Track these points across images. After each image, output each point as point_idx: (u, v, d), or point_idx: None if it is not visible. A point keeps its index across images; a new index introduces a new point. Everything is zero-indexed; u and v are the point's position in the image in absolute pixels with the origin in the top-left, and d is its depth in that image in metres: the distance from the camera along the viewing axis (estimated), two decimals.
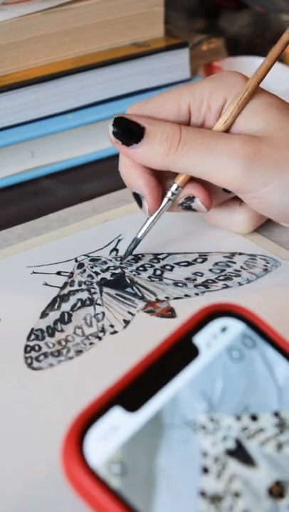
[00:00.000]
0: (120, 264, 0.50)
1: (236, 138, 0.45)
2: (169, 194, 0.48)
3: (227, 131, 0.46)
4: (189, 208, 0.48)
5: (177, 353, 0.32)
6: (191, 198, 0.47)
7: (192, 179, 0.47)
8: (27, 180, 0.62)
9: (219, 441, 0.31)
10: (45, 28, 0.62)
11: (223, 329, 0.33)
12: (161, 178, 0.49)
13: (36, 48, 0.63)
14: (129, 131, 0.46)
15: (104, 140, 0.65)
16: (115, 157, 0.64)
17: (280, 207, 0.46)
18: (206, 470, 0.30)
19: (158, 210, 0.48)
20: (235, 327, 0.34)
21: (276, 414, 0.32)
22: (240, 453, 0.31)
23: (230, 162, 0.44)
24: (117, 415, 0.30)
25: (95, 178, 0.63)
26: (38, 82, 0.61)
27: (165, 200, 0.48)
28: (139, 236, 0.49)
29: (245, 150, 0.44)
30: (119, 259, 0.50)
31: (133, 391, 0.31)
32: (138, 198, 0.48)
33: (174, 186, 0.47)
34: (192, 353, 0.33)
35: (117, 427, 0.30)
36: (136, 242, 0.49)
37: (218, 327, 0.33)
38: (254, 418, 0.32)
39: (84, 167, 0.64)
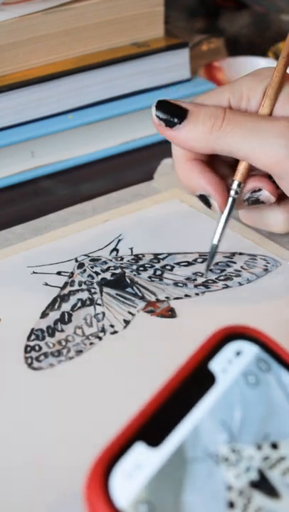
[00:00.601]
0: (206, 277, 0.49)
1: (282, 119, 0.44)
2: (232, 193, 0.46)
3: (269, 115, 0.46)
4: (257, 202, 0.47)
5: (194, 382, 0.31)
6: (257, 191, 0.46)
7: (251, 174, 0.47)
8: (27, 180, 0.62)
9: (242, 473, 0.30)
10: (45, 28, 0.62)
11: (238, 353, 0.32)
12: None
13: (36, 47, 0.63)
14: (172, 113, 0.45)
15: (105, 140, 0.65)
16: (115, 157, 0.65)
17: None
18: (231, 505, 0.29)
19: (226, 212, 0.46)
20: (250, 350, 0.33)
21: None
22: (263, 484, 0.30)
23: (275, 142, 0.43)
24: (140, 451, 0.29)
25: (95, 178, 0.63)
26: (38, 82, 0.61)
27: (230, 200, 0.46)
28: (215, 242, 0.47)
29: None
30: (201, 274, 0.49)
31: (154, 425, 0.29)
32: (205, 200, 0.47)
33: (236, 183, 0.46)
34: (209, 380, 0.31)
35: (141, 463, 0.28)
36: (214, 248, 0.47)
37: (232, 351, 0.32)
38: (274, 446, 0.31)
39: (84, 167, 0.64)
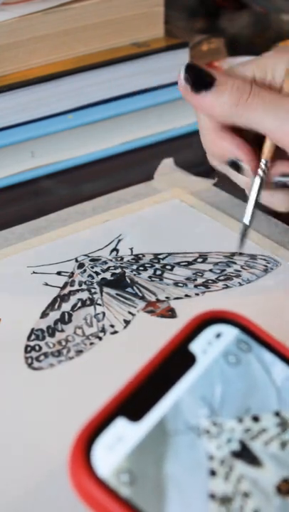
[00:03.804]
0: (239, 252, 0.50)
1: None
2: (260, 172, 0.46)
3: None
4: (285, 186, 0.47)
5: (175, 362, 0.33)
6: (287, 175, 0.47)
7: (281, 158, 0.47)
8: (27, 180, 0.62)
9: (224, 444, 0.31)
10: (45, 28, 0.62)
11: (218, 335, 0.34)
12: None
13: (36, 47, 0.63)
14: (200, 78, 0.45)
15: (105, 140, 0.65)
16: (115, 157, 0.65)
17: None
18: (213, 473, 0.30)
19: (255, 191, 0.46)
20: (230, 332, 0.34)
21: (277, 414, 0.32)
22: (245, 454, 0.31)
23: None
24: (121, 426, 0.30)
25: (95, 178, 0.63)
26: (38, 82, 0.61)
27: (258, 179, 0.46)
28: (246, 222, 0.47)
29: None
30: (237, 253, 0.50)
31: (135, 401, 0.31)
32: (236, 166, 0.47)
33: (263, 162, 0.46)
34: (189, 360, 0.33)
35: (122, 437, 0.30)
36: (245, 228, 0.47)
37: (212, 334, 0.34)
38: (256, 419, 0.32)
39: (84, 167, 0.64)
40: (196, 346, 0.33)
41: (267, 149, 0.46)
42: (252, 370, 0.33)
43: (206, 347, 0.33)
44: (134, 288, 0.48)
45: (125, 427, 0.30)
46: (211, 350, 0.33)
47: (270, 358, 0.34)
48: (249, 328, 0.34)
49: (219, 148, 0.47)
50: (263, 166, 0.46)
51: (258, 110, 0.44)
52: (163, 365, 0.32)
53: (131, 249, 0.52)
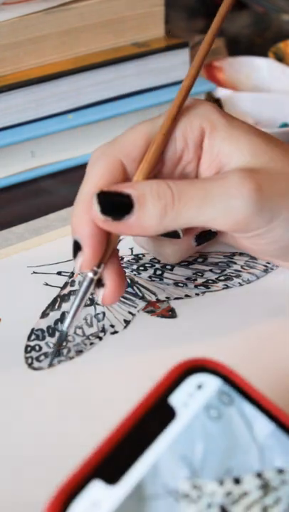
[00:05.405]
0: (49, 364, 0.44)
1: (232, 175, 0.41)
2: (90, 274, 0.41)
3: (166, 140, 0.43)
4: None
5: (154, 417, 0.30)
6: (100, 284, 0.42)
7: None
8: (27, 180, 0.62)
9: (204, 510, 0.29)
10: (45, 28, 0.62)
11: (199, 386, 0.32)
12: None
13: (36, 47, 0.63)
14: (116, 205, 0.40)
15: (105, 140, 0.65)
16: None
17: (283, 242, 0.43)
18: None
19: (81, 292, 0.41)
20: (211, 383, 0.32)
21: (259, 475, 0.30)
22: None
23: (234, 203, 0.40)
24: (96, 489, 0.28)
25: None
26: (38, 82, 0.61)
27: (87, 280, 0.41)
28: (64, 328, 0.42)
29: (247, 187, 0.40)
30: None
31: (111, 462, 0.29)
32: (75, 248, 0.41)
33: (95, 268, 0.41)
34: (169, 414, 0.31)
35: (98, 501, 0.28)
36: (63, 335, 0.43)
37: (193, 384, 0.32)
38: (237, 481, 0.30)
39: (84, 167, 0.64)
40: (176, 399, 0.31)
41: (108, 254, 0.42)
42: (233, 426, 0.31)
43: (187, 399, 0.31)
44: (134, 288, 0.48)
45: (101, 490, 0.28)
46: (192, 403, 0.31)
47: (252, 412, 0.31)
48: (231, 379, 0.32)
49: (78, 220, 0.41)
50: (95, 269, 0.41)
51: (189, 209, 0.40)
52: (141, 422, 0.30)
53: (131, 249, 0.52)
